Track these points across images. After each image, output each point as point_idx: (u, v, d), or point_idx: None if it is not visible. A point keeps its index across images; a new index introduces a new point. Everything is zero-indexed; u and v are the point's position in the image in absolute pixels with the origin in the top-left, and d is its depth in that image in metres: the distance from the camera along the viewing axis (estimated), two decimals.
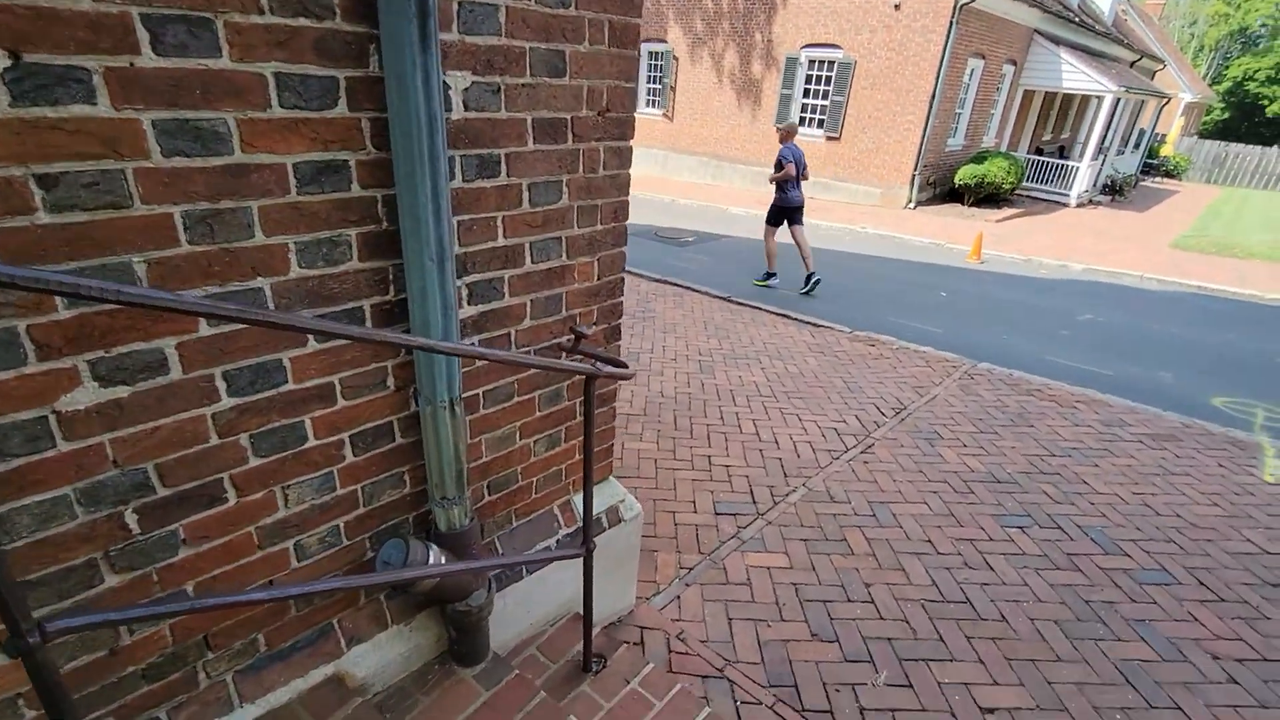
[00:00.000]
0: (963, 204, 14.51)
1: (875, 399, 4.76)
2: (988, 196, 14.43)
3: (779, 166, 7.43)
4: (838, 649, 2.48)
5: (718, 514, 3.29)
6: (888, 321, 6.94)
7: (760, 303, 7.05)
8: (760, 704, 2.23)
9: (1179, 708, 2.29)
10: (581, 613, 2.29)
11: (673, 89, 17.28)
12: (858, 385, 4.99)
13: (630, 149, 1.84)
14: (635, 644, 2.43)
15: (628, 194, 1.90)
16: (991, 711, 2.25)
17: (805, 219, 8.45)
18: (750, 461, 3.80)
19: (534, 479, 2.04)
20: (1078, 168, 15.87)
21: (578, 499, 2.24)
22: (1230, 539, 3.27)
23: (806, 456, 3.88)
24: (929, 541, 3.14)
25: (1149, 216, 15.62)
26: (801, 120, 15.23)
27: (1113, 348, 6.52)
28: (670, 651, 2.42)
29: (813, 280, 7.66)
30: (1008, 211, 13.99)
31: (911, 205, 13.94)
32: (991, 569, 2.97)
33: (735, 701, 2.23)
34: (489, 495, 1.92)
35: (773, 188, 7.68)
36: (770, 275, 7.97)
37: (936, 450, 4.02)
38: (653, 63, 17.74)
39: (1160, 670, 2.44)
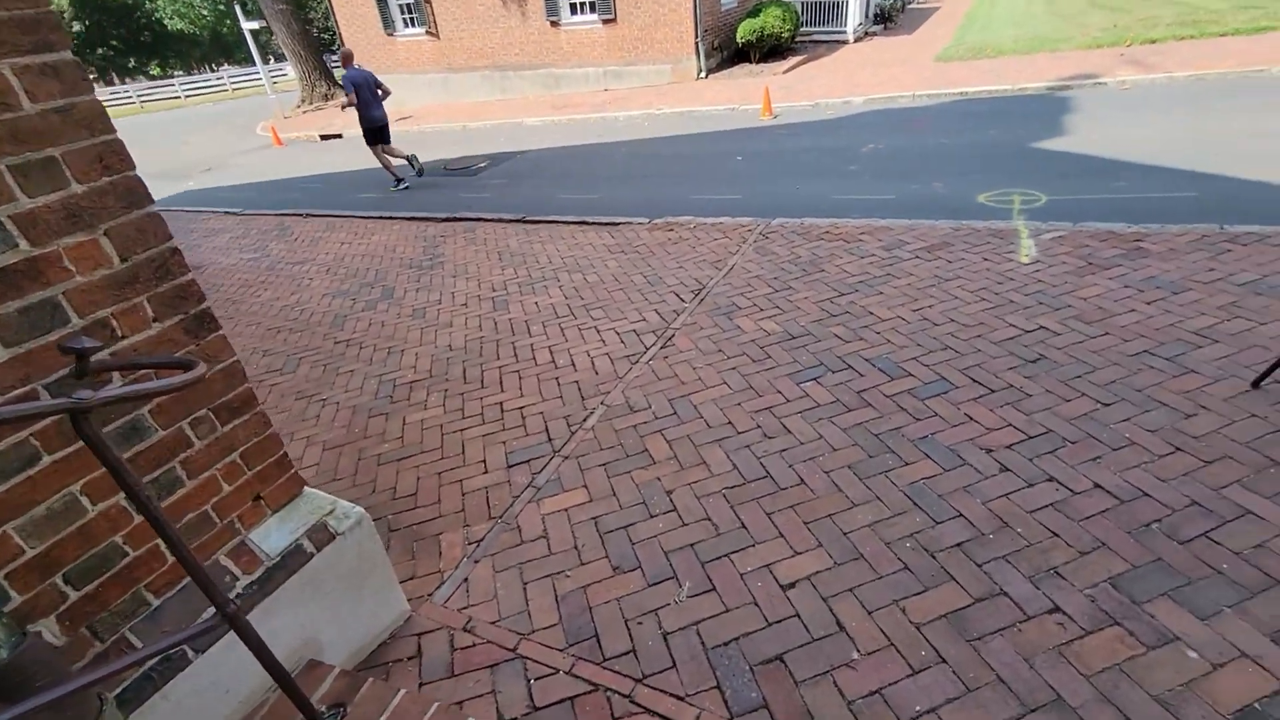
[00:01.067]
0: (751, 62, 14.43)
1: (675, 286, 4.54)
2: (772, 49, 14.41)
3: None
4: (640, 576, 2.28)
5: (510, 466, 2.95)
6: (689, 200, 6.72)
7: (557, 215, 6.56)
8: (557, 672, 1.98)
9: (961, 515, 2.31)
10: (319, 658, 1.91)
11: (428, 1, 15.39)
12: (658, 277, 4.74)
13: (73, 62, 1.24)
14: (410, 658, 2.08)
15: (111, 130, 1.31)
16: (792, 586, 2.15)
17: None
18: (545, 394, 3.46)
19: (157, 540, 1.54)
20: (848, 2, 16.17)
21: (258, 533, 1.78)
22: (996, 329, 3.41)
23: (605, 371, 3.60)
24: (729, 424, 2.99)
25: (917, 37, 16.40)
26: (574, 8, 14.20)
27: (894, 171, 6.73)
28: (454, 650, 2.10)
29: (406, 179, 8.88)
30: (792, 60, 14.09)
31: (703, 74, 13.65)
32: (790, 432, 2.88)
33: (528, 680, 1.97)
34: (76, 589, 1.41)
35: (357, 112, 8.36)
36: (399, 181, 8.78)
37: (734, 323, 3.88)
38: None
39: (942, 482, 2.47)
